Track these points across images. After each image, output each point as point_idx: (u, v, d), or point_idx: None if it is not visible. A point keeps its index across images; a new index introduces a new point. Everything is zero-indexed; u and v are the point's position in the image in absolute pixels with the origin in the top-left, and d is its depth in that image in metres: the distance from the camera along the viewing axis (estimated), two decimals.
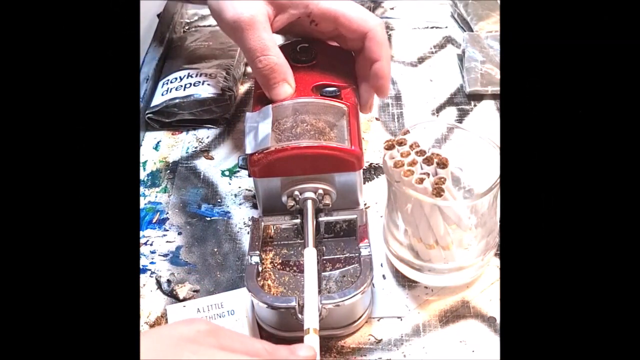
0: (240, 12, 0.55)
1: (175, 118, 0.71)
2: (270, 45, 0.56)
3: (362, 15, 0.58)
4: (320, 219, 0.56)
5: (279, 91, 0.57)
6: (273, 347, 0.43)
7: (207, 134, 0.71)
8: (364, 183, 0.61)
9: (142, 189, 0.65)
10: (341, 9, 0.58)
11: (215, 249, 0.60)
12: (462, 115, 0.71)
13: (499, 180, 0.49)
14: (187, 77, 0.72)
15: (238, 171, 0.67)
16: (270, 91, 0.57)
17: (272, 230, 0.58)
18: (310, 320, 0.47)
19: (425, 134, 0.54)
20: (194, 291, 0.56)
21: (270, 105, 0.58)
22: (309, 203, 0.55)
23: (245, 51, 0.57)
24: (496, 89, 0.72)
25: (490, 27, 0.79)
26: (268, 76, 0.57)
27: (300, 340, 0.52)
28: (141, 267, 0.58)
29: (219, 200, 0.64)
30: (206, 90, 0.70)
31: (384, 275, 0.57)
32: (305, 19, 0.60)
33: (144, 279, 0.58)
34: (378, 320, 0.54)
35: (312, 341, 0.46)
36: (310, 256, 0.51)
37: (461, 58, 0.76)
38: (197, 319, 0.44)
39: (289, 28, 0.61)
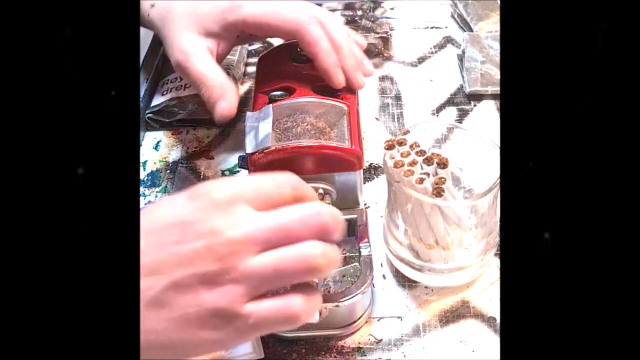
0: (177, 54, 0.58)
1: (175, 118, 0.71)
2: (205, 71, 0.58)
3: (289, 16, 0.58)
4: None
5: (216, 107, 0.58)
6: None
7: (207, 134, 0.71)
8: (364, 183, 0.61)
9: (142, 189, 0.65)
10: (269, 16, 0.58)
11: None
12: (462, 115, 0.71)
13: (499, 180, 0.49)
14: None
15: (238, 171, 0.66)
16: (212, 108, 0.58)
17: None
18: None
19: (425, 134, 0.54)
20: None
21: (270, 105, 0.58)
22: None
23: (192, 84, 0.60)
24: (496, 89, 0.72)
25: (490, 27, 0.79)
26: (207, 96, 0.58)
27: (300, 340, 0.52)
28: None
29: None
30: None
31: (384, 275, 0.57)
32: (244, 35, 0.61)
33: None
34: (378, 320, 0.54)
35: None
36: None
37: (461, 58, 0.76)
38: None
39: (240, 42, 0.63)
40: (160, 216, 0.39)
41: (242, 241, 0.37)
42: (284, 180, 0.41)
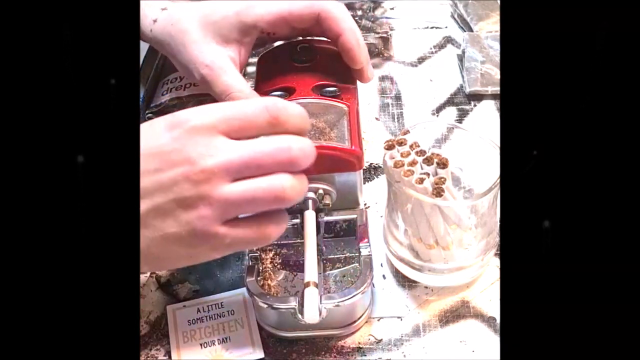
0: (201, 70, 0.58)
1: None
2: (230, 84, 0.58)
3: (307, 2, 0.57)
4: (320, 218, 0.56)
5: None
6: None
7: None
8: (364, 183, 0.61)
9: None
10: (286, 7, 0.57)
11: None
12: (462, 115, 0.71)
13: (499, 180, 0.49)
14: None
15: None
16: None
17: None
18: (310, 274, 0.48)
19: (425, 134, 0.54)
20: (194, 291, 0.56)
21: None
22: (309, 203, 0.55)
23: (215, 96, 0.60)
24: (496, 89, 0.72)
25: (490, 27, 0.79)
26: None
27: (300, 340, 0.52)
28: None
29: None
30: (206, 90, 0.70)
31: (384, 275, 0.57)
32: (263, 35, 0.60)
33: (144, 278, 0.57)
34: (378, 320, 0.54)
35: (310, 293, 0.47)
36: (310, 217, 0.52)
37: (461, 58, 0.76)
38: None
39: (258, 46, 0.62)
40: (142, 146, 0.42)
41: (215, 171, 0.41)
42: (261, 107, 0.44)
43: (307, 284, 0.48)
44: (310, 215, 0.53)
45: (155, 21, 0.62)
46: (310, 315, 0.46)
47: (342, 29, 0.57)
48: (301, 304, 0.48)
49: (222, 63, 0.58)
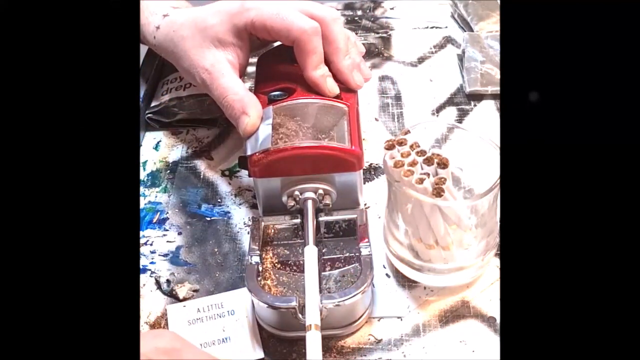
0: (202, 74, 0.60)
1: (175, 118, 0.71)
2: (227, 86, 0.59)
3: (293, 24, 0.58)
4: (320, 218, 0.56)
5: (239, 123, 0.58)
6: None
7: (207, 134, 0.71)
8: (364, 183, 0.61)
9: (142, 189, 0.65)
10: (275, 20, 0.58)
11: (215, 249, 0.60)
12: (462, 115, 0.71)
13: (499, 180, 0.49)
14: None
15: (238, 171, 0.67)
16: (236, 125, 0.59)
17: (272, 230, 0.58)
18: (312, 316, 0.47)
19: (425, 134, 0.54)
20: (193, 291, 0.56)
21: (270, 107, 0.58)
22: (309, 203, 0.55)
23: (215, 100, 0.61)
24: (496, 89, 0.72)
25: (490, 27, 0.79)
26: (229, 113, 0.59)
27: (301, 339, 0.52)
28: (141, 267, 0.58)
29: (219, 200, 0.64)
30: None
31: (387, 274, 0.57)
32: (253, 38, 0.61)
33: (143, 279, 0.57)
34: (378, 320, 0.54)
35: (313, 337, 0.46)
36: (310, 254, 0.51)
37: (461, 58, 0.76)
38: (164, 333, 0.45)
39: (256, 49, 0.64)
40: None
41: None
42: None
43: (309, 327, 0.47)
44: (310, 251, 0.52)
45: (157, 28, 0.63)
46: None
47: (306, 65, 0.58)
48: (302, 316, 0.48)
49: (220, 67, 0.59)
